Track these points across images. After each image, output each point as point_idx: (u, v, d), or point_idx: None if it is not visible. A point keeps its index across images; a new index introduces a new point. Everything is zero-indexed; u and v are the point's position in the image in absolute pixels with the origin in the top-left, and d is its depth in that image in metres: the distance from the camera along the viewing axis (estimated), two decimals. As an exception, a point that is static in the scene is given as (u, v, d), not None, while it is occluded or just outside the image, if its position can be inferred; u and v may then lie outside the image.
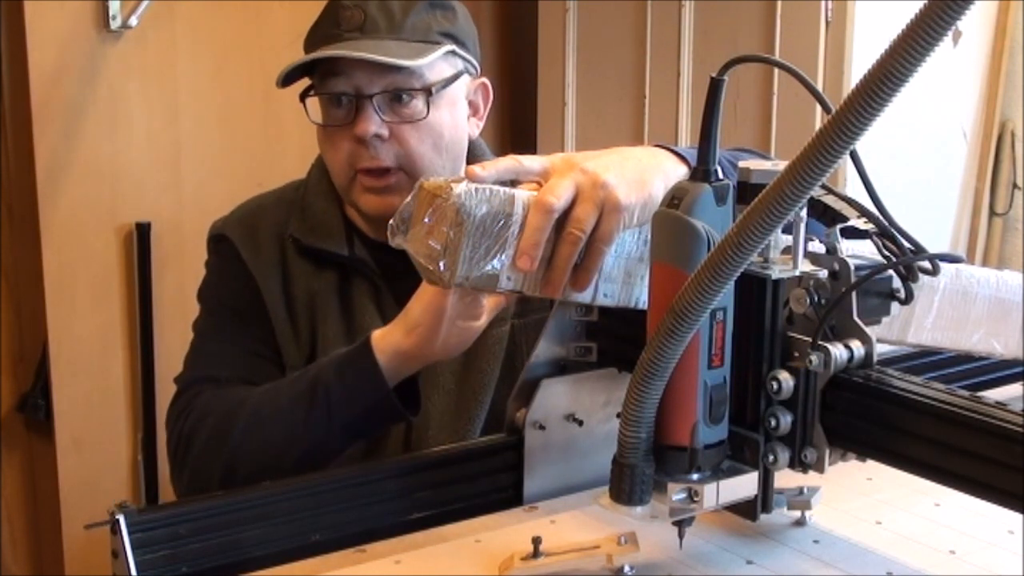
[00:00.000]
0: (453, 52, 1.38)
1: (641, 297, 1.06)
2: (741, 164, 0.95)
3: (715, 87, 0.87)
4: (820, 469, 0.92)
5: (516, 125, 3.06)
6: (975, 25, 2.52)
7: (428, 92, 1.35)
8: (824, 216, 0.97)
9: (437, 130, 1.36)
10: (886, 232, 0.93)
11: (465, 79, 1.41)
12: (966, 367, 1.30)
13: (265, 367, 1.39)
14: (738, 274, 0.79)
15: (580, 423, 1.14)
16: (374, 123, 1.33)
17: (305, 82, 1.40)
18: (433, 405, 1.38)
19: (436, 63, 1.35)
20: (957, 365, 1.29)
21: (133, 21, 2.44)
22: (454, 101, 1.39)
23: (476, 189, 0.97)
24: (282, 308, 1.41)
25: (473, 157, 1.43)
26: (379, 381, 1.21)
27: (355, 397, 1.22)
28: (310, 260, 1.42)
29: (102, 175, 2.49)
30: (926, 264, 0.93)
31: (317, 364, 1.29)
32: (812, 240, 0.95)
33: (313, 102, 1.38)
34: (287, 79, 1.36)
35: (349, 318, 1.40)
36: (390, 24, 1.34)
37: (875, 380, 0.89)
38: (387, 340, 1.22)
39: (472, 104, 1.43)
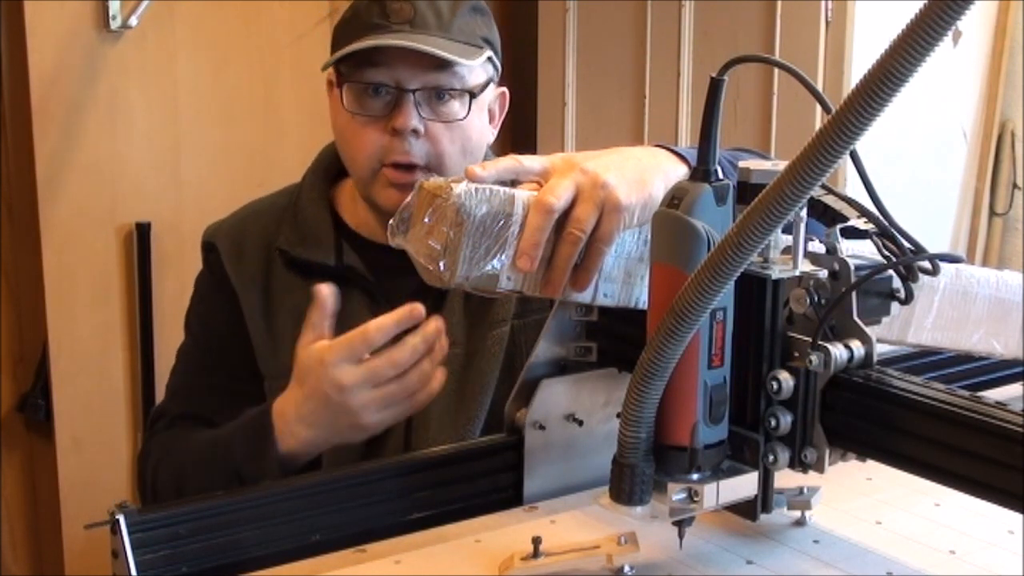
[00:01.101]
0: (490, 59, 1.39)
1: (641, 297, 1.06)
2: (741, 164, 0.95)
3: (715, 87, 0.87)
4: (820, 469, 0.92)
5: (516, 125, 3.06)
6: (975, 25, 2.52)
7: (470, 94, 1.35)
8: (824, 216, 0.97)
9: (468, 133, 1.36)
10: (886, 232, 0.93)
11: (491, 86, 1.41)
12: (966, 367, 1.30)
13: (235, 398, 1.40)
14: (738, 274, 0.79)
15: (580, 423, 1.14)
16: (414, 117, 1.32)
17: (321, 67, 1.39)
18: (433, 406, 1.38)
19: (477, 67, 1.36)
20: (957, 365, 1.29)
21: (133, 21, 2.44)
22: (483, 107, 1.40)
23: (476, 189, 0.97)
24: (262, 321, 1.41)
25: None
26: (276, 464, 1.22)
27: (259, 474, 1.23)
28: (298, 271, 1.42)
29: (102, 175, 2.49)
30: (926, 264, 0.93)
31: (229, 433, 1.29)
32: (812, 240, 0.95)
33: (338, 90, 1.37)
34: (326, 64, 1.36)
35: (341, 327, 1.40)
36: (439, 22, 1.34)
37: (875, 380, 0.89)
38: (286, 432, 1.22)
39: (490, 111, 1.43)
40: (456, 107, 1.35)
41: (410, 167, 1.35)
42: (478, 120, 1.38)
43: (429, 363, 1.18)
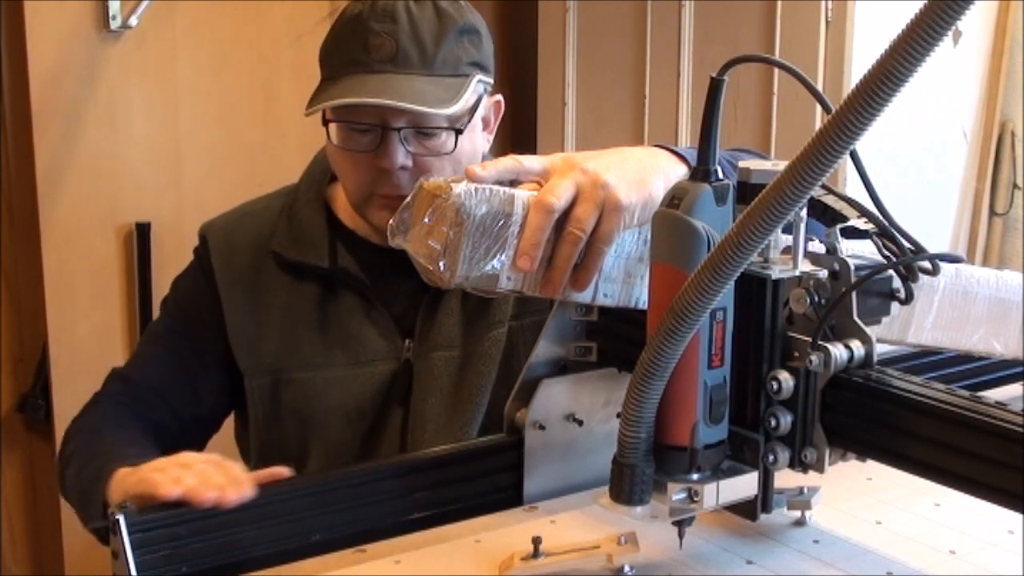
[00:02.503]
0: (479, 80, 1.36)
1: (641, 297, 1.06)
2: (741, 164, 0.95)
3: (715, 87, 0.87)
4: (820, 469, 0.92)
5: (516, 125, 3.06)
6: (975, 25, 2.52)
7: (457, 130, 1.33)
8: (824, 216, 0.97)
9: (458, 158, 1.34)
10: (886, 232, 0.93)
11: (483, 99, 1.39)
12: (966, 367, 1.30)
13: (185, 380, 1.43)
14: (738, 274, 0.79)
15: (580, 423, 1.14)
16: (399, 155, 1.31)
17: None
18: (429, 407, 1.38)
19: (464, 97, 1.32)
20: (957, 365, 1.29)
21: (133, 21, 2.44)
22: (474, 126, 1.38)
23: (476, 189, 0.97)
24: (243, 318, 1.41)
25: None
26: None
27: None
28: (291, 273, 1.41)
29: (102, 175, 2.49)
30: (926, 264, 0.93)
31: (104, 458, 1.26)
32: (812, 240, 0.95)
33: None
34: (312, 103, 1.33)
35: (334, 329, 1.40)
36: (422, 58, 1.30)
37: (875, 380, 0.89)
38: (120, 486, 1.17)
39: (484, 119, 1.41)
40: (443, 138, 1.33)
41: (401, 198, 1.34)
42: (468, 142, 1.36)
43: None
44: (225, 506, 1.02)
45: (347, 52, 1.32)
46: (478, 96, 1.36)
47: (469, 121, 1.34)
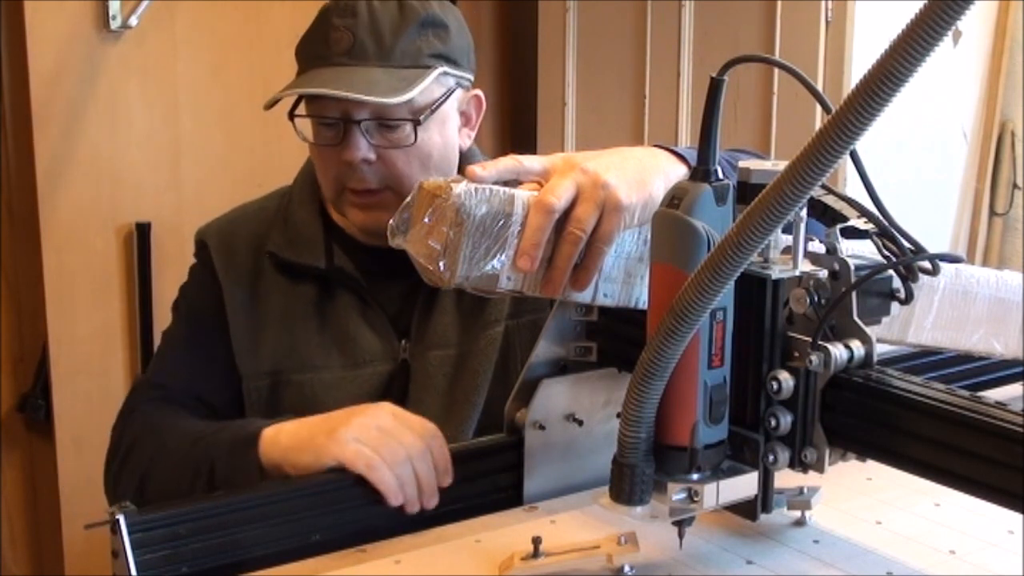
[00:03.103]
0: (444, 72, 1.35)
1: (641, 297, 1.06)
2: (741, 164, 0.95)
3: (715, 87, 0.87)
4: (820, 469, 0.92)
5: (516, 125, 3.06)
6: (975, 25, 2.52)
7: (416, 121, 1.33)
8: (824, 216, 0.97)
9: (426, 152, 1.35)
10: (886, 232, 0.93)
11: (457, 93, 1.38)
12: (966, 367, 1.30)
13: (215, 378, 1.41)
14: (738, 274, 0.79)
15: (580, 423, 1.14)
16: (361, 148, 1.32)
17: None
18: (425, 407, 1.38)
19: (426, 88, 1.33)
20: (957, 365, 1.29)
21: (133, 21, 2.44)
22: (444, 120, 1.37)
23: (476, 189, 0.97)
24: (245, 320, 1.41)
25: (467, 165, 1.42)
26: (255, 475, 1.18)
27: (235, 480, 1.20)
28: (288, 274, 1.41)
29: (102, 175, 2.49)
30: (926, 264, 0.93)
31: (213, 435, 1.26)
32: (812, 240, 0.95)
33: (303, 118, 1.37)
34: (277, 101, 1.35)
35: (331, 330, 1.40)
36: (379, 50, 1.31)
37: (875, 380, 0.89)
38: (274, 449, 1.18)
39: (464, 115, 1.41)
40: (407, 130, 1.33)
41: (370, 191, 1.35)
42: (437, 136, 1.36)
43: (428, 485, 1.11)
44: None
45: (311, 47, 1.35)
46: (446, 89, 1.36)
47: (432, 113, 1.34)
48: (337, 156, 1.34)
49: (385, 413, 1.15)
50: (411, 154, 1.34)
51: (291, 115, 1.37)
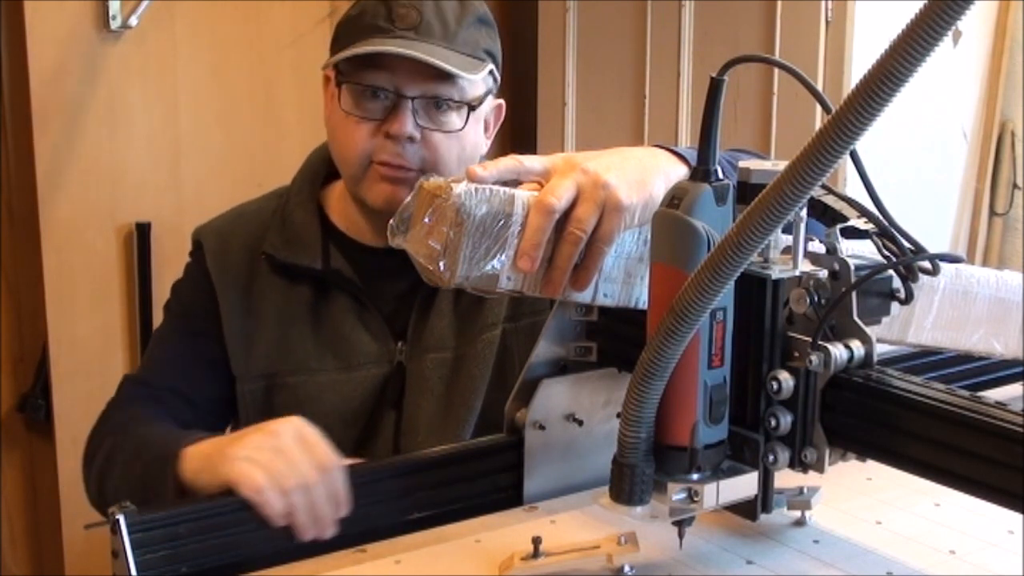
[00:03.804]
0: (491, 72, 1.37)
1: (641, 297, 1.06)
2: (741, 164, 0.95)
3: (715, 87, 0.87)
4: (820, 469, 0.92)
5: (516, 125, 3.06)
6: (975, 25, 2.52)
7: (469, 107, 1.34)
8: (824, 216, 0.97)
9: (464, 143, 1.35)
10: (886, 232, 0.93)
11: (490, 98, 1.40)
12: (966, 367, 1.30)
13: (198, 374, 1.41)
14: (738, 274, 0.79)
15: (580, 423, 1.14)
16: (409, 124, 1.31)
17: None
18: (422, 410, 1.38)
19: (478, 80, 1.34)
20: (957, 365, 1.29)
21: (133, 21, 2.43)
22: (480, 118, 1.39)
23: (476, 189, 0.97)
24: (238, 321, 1.40)
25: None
26: (169, 493, 1.15)
27: (148, 497, 1.17)
28: (283, 275, 1.41)
29: (102, 175, 2.49)
30: (926, 264, 0.93)
31: (149, 447, 1.24)
32: (812, 240, 0.95)
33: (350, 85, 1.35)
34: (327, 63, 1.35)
35: (327, 332, 1.40)
36: (444, 31, 1.32)
37: (875, 380, 0.89)
38: (186, 467, 1.14)
39: (485, 122, 1.42)
40: (454, 117, 1.34)
41: (402, 167, 1.34)
42: (474, 132, 1.37)
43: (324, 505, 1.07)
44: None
45: (371, 19, 1.33)
46: (488, 89, 1.38)
47: (480, 104, 1.35)
48: (374, 130, 1.32)
49: (288, 434, 1.08)
50: (453, 141, 1.34)
51: (338, 82, 1.34)
